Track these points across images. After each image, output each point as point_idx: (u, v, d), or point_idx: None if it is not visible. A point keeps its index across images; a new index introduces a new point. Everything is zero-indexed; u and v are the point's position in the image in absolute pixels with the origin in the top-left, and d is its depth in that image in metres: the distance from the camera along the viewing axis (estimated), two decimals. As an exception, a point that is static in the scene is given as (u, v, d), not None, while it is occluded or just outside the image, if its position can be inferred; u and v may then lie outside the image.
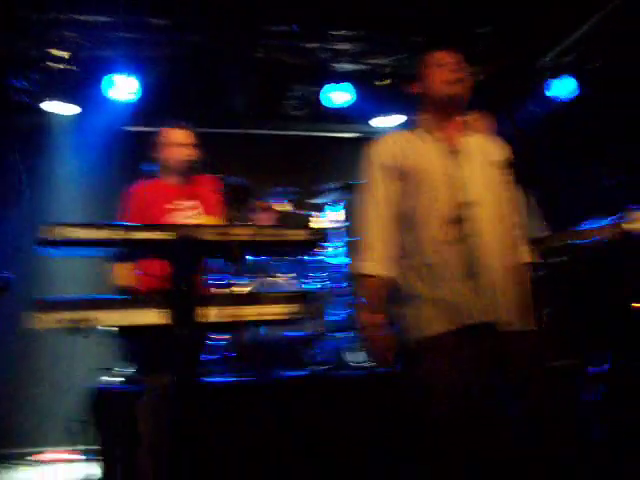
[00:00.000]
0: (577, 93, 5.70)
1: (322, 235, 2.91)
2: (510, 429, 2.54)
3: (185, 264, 2.64)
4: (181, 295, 2.65)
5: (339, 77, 6.33)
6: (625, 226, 3.51)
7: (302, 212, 5.44)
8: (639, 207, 3.55)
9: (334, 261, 5.23)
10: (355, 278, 2.75)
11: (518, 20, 5.94)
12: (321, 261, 5.23)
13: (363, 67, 6.49)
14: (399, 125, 6.28)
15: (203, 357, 4.34)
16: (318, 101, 6.36)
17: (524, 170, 2.84)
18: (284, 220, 5.45)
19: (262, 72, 6.24)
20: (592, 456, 4.74)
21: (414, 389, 2.55)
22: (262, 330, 4.72)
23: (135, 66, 5.86)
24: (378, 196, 2.73)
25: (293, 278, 5.14)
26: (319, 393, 4.12)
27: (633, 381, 4.79)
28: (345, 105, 6.26)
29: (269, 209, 5.51)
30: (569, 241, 3.56)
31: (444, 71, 2.77)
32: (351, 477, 3.89)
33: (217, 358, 4.59)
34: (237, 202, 4.78)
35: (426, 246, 2.62)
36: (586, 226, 3.59)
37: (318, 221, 5.22)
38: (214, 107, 6.33)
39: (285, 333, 4.84)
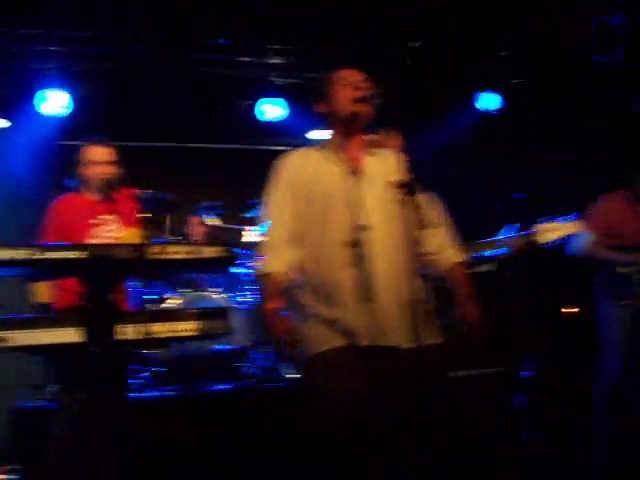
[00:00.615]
0: (501, 107, 5.84)
1: (235, 253, 2.98)
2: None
3: (99, 282, 2.67)
4: (95, 313, 2.68)
5: (273, 91, 6.38)
6: (534, 238, 3.64)
7: (234, 226, 5.48)
8: (547, 219, 3.69)
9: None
10: (259, 278, 2.79)
11: (448, 36, 6.10)
12: (253, 275, 5.26)
13: (297, 81, 6.55)
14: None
15: (133, 372, 4.38)
16: (252, 115, 6.40)
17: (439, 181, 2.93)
18: (216, 235, 5.48)
19: (196, 85, 6.24)
20: (523, 457, 4.93)
21: (312, 399, 2.61)
22: (193, 344, 4.75)
23: (67, 80, 5.83)
24: (282, 206, 2.79)
25: (226, 292, 5.20)
26: (243, 406, 4.17)
27: (558, 385, 4.97)
28: (279, 119, 6.31)
29: (201, 224, 5.55)
30: (477, 253, 3.66)
31: (348, 89, 2.78)
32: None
33: (146, 373, 4.60)
34: (165, 217, 4.81)
35: (323, 268, 2.67)
36: (497, 237, 3.69)
37: (250, 235, 5.26)
38: (147, 120, 6.33)
39: (216, 347, 4.89)
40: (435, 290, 3.97)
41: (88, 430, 3.00)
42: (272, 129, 6.45)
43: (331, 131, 2.89)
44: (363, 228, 2.62)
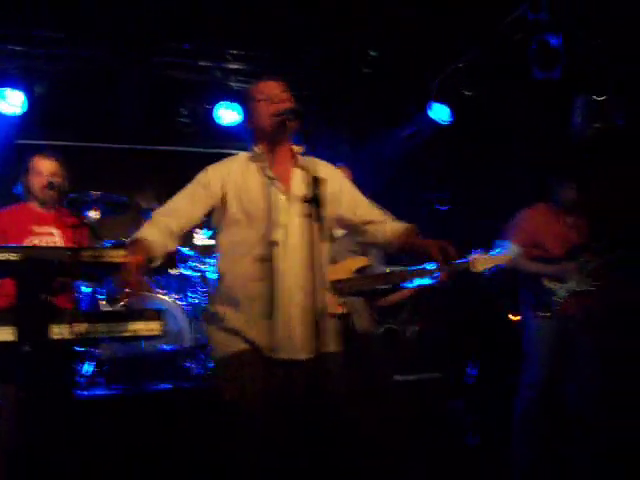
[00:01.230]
0: (451, 119, 5.97)
1: (171, 257, 3.08)
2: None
3: (31, 284, 2.76)
4: (27, 313, 2.77)
5: (231, 95, 6.45)
6: (467, 267, 3.72)
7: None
8: (480, 251, 3.78)
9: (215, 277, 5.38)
10: (130, 243, 2.76)
11: (405, 45, 6.21)
12: (203, 276, 5.36)
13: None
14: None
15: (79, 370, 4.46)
16: (210, 118, 6.47)
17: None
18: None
19: (154, 88, 6.30)
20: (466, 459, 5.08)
21: (218, 398, 2.72)
22: (141, 344, 4.84)
23: (24, 79, 5.87)
24: (183, 197, 2.86)
25: (175, 293, 5.29)
26: (186, 405, 4.27)
27: (495, 389, 5.11)
28: (235, 124, 6.39)
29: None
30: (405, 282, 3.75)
31: (267, 104, 2.83)
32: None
33: (91, 371, 4.68)
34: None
35: (236, 279, 2.75)
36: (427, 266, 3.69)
37: (201, 238, 5.34)
38: (104, 122, 6.39)
39: (164, 347, 4.98)
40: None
41: (26, 425, 3.07)
42: (229, 133, 6.50)
43: (256, 145, 2.92)
44: (275, 244, 2.68)
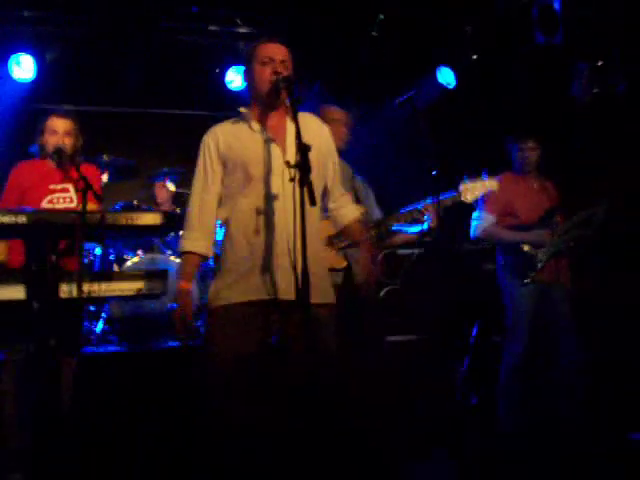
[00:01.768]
0: (455, 84, 6.00)
1: (173, 220, 3.21)
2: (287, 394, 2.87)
3: (39, 245, 2.90)
4: (35, 273, 2.91)
5: (239, 59, 6.50)
6: (459, 198, 3.82)
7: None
8: (469, 179, 3.86)
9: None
10: (180, 255, 3.01)
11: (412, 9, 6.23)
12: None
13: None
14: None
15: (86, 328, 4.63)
16: (220, 82, 6.55)
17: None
18: (176, 200, 5.72)
19: (164, 52, 6.37)
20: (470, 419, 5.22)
21: (205, 350, 2.88)
22: (150, 303, 5.00)
23: (35, 44, 5.97)
24: (202, 180, 2.96)
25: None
26: (190, 362, 4.42)
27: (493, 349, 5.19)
28: (244, 87, 6.44)
29: (164, 187, 5.78)
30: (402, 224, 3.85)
31: (267, 69, 2.87)
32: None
33: (99, 329, 4.86)
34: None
35: (236, 231, 2.87)
36: (421, 203, 3.79)
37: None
38: (114, 87, 6.46)
39: (172, 305, 5.13)
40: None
41: (31, 382, 3.23)
42: (238, 97, 6.56)
43: (250, 103, 2.99)
44: (273, 197, 2.80)
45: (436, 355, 5.47)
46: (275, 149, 2.88)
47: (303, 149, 2.51)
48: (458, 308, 5.81)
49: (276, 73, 2.85)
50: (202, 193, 2.96)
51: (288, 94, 2.76)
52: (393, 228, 3.91)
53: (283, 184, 2.80)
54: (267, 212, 2.81)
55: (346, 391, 2.95)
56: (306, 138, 2.59)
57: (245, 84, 3.07)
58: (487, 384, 4.76)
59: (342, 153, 3.75)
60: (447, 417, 4.82)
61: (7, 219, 2.79)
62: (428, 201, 3.73)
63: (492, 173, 3.95)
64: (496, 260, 4.67)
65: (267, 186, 2.82)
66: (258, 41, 3.00)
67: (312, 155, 2.56)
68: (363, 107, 7.20)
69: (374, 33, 6.64)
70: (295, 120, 2.66)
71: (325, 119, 3.61)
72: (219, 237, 3.17)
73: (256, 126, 2.93)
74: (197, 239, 2.94)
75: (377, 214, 4.04)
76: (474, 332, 5.65)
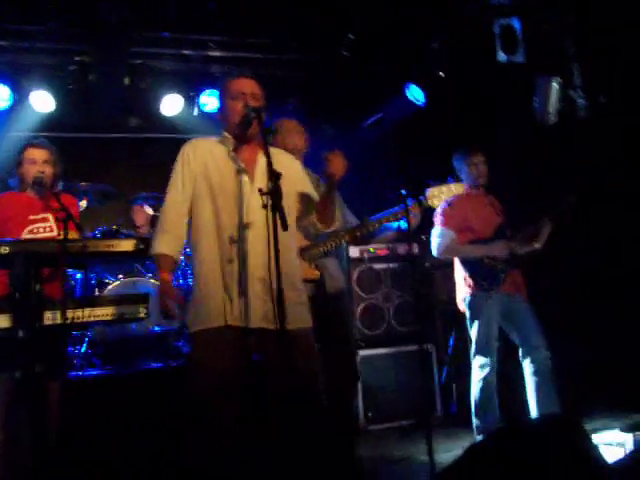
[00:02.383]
0: (424, 102, 6.15)
1: (147, 245, 3.30)
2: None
3: (22, 274, 2.98)
4: (20, 301, 3.00)
5: (213, 83, 6.63)
6: (427, 203, 3.93)
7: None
8: (434, 184, 3.97)
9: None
10: (153, 256, 3.07)
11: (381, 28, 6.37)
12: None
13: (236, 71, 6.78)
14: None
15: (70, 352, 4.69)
16: (193, 106, 6.66)
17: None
18: (154, 223, 5.81)
19: (136, 77, 6.47)
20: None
21: (189, 369, 2.96)
22: (132, 325, 5.08)
23: (10, 73, 6.06)
24: (176, 186, 3.06)
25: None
26: (174, 382, 4.51)
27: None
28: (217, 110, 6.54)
29: (142, 211, 5.89)
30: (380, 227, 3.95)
31: (239, 103, 3.02)
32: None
33: (83, 353, 4.93)
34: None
35: (206, 258, 2.96)
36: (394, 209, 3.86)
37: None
38: (87, 113, 6.56)
39: (155, 328, 5.23)
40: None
41: (22, 407, 3.30)
42: (212, 119, 6.66)
43: (225, 131, 3.11)
44: (245, 226, 2.90)
45: (414, 366, 5.60)
46: (246, 179, 2.99)
47: (275, 176, 2.62)
48: (434, 319, 5.95)
49: (246, 105, 2.98)
50: (175, 198, 3.05)
51: (258, 123, 2.88)
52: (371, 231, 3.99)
53: (254, 213, 2.90)
54: (239, 241, 2.90)
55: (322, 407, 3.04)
56: (277, 167, 2.70)
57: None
58: (466, 393, 4.84)
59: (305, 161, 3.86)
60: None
61: (-5, 250, 2.89)
62: (397, 208, 3.84)
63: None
64: (455, 275, 4.75)
65: (239, 215, 2.92)
66: (229, 77, 3.15)
67: (283, 183, 2.67)
68: (335, 124, 7.39)
69: (344, 53, 6.79)
70: (265, 148, 2.77)
71: (282, 128, 3.88)
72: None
73: (232, 154, 3.05)
74: (169, 242, 3.03)
75: (350, 218, 4.12)
76: (451, 342, 5.79)
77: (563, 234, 4.60)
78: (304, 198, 3.17)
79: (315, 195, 3.21)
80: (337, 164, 2.95)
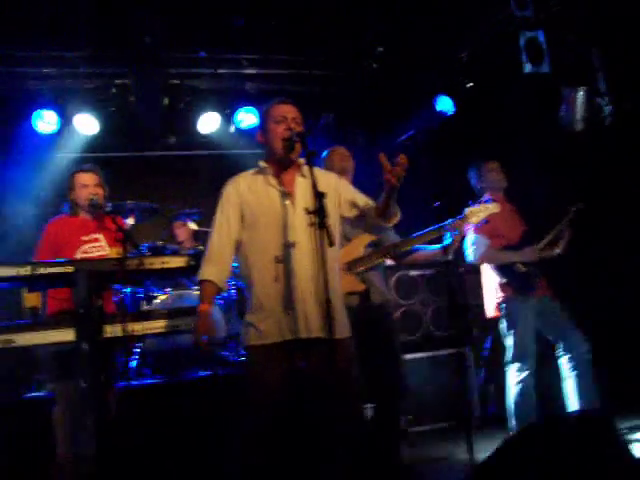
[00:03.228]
0: (453, 110, 6.31)
1: (198, 261, 3.52)
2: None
3: (84, 292, 3.22)
4: (83, 316, 3.24)
5: (248, 100, 6.87)
6: (467, 220, 4.15)
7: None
8: (472, 204, 4.17)
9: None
10: (199, 283, 3.23)
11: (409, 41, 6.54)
12: (234, 272, 5.81)
13: (271, 87, 7.02)
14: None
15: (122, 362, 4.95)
16: (229, 123, 6.91)
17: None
18: (197, 237, 6.06)
19: (174, 97, 6.73)
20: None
21: (246, 383, 3.15)
22: (179, 336, 5.31)
23: (57, 99, 6.36)
24: (222, 225, 3.24)
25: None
26: (220, 389, 4.73)
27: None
28: (254, 126, 6.78)
29: (184, 227, 6.13)
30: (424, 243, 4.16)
31: (281, 127, 3.19)
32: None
33: (135, 363, 5.18)
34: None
35: (257, 279, 3.15)
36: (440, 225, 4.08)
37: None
38: (129, 133, 6.86)
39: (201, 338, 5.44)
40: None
41: (80, 415, 3.54)
42: (249, 135, 6.88)
43: (266, 157, 3.30)
44: (290, 245, 3.09)
45: (452, 369, 5.75)
46: (288, 202, 3.17)
47: (320, 196, 2.82)
48: (469, 323, 6.10)
49: (289, 129, 3.17)
50: (221, 235, 3.23)
51: (302, 147, 3.09)
52: (414, 248, 4.20)
53: (299, 233, 3.10)
54: (285, 260, 3.09)
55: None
56: (320, 187, 2.90)
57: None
58: (503, 395, 4.96)
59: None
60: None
61: (56, 270, 3.14)
62: (440, 225, 4.05)
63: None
64: (485, 281, 4.90)
65: (284, 236, 3.10)
66: (271, 103, 3.32)
67: (326, 202, 2.87)
68: (369, 137, 7.57)
69: (374, 65, 6.98)
70: (311, 170, 2.96)
71: (333, 154, 4.19)
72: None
73: (273, 181, 3.23)
74: (213, 271, 3.20)
75: (391, 234, 4.31)
76: (487, 345, 5.93)
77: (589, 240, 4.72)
78: (354, 201, 3.35)
79: (362, 197, 3.39)
80: (399, 171, 3.02)
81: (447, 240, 4.12)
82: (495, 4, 5.31)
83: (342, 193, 3.38)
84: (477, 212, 4.19)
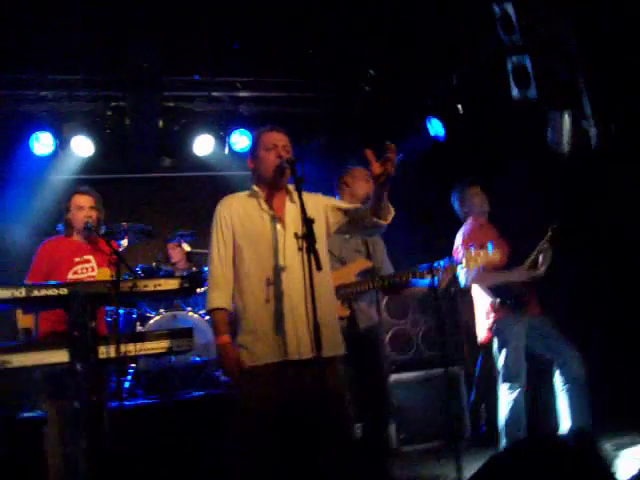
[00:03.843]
0: (443, 134, 6.39)
1: (195, 282, 3.59)
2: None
3: (79, 313, 3.28)
4: (77, 338, 3.29)
5: (242, 122, 6.97)
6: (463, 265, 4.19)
7: (205, 251, 6.06)
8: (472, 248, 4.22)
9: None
10: (209, 311, 3.30)
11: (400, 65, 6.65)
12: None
13: (264, 111, 7.12)
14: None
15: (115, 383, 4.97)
16: (224, 145, 6.99)
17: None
18: (190, 259, 6.13)
19: (169, 120, 6.83)
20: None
21: (237, 404, 3.20)
22: (170, 357, 5.36)
23: (54, 121, 6.45)
24: (219, 244, 3.29)
25: (202, 309, 5.80)
26: (213, 410, 4.78)
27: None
28: (247, 148, 6.84)
29: (178, 248, 6.20)
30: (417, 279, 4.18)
31: (272, 154, 3.27)
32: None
33: (129, 383, 5.22)
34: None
35: (249, 301, 3.21)
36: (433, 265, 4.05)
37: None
38: (124, 155, 6.95)
39: (195, 359, 5.51)
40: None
41: (72, 436, 3.58)
42: (243, 158, 6.94)
43: (256, 183, 3.37)
44: (281, 269, 3.16)
45: (443, 389, 5.79)
46: (279, 226, 3.25)
47: (308, 222, 2.89)
48: (461, 343, 6.15)
49: (280, 157, 3.25)
50: (221, 258, 3.28)
51: (292, 173, 3.16)
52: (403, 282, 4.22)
53: (289, 257, 3.17)
54: (276, 283, 3.16)
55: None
56: (309, 212, 2.98)
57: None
58: (495, 414, 5.00)
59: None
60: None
61: (51, 292, 3.20)
62: (436, 264, 4.08)
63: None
64: (476, 303, 4.96)
65: (275, 259, 3.18)
66: (262, 130, 3.41)
67: (315, 227, 2.94)
68: (361, 159, 7.62)
69: (367, 88, 7.08)
70: (300, 196, 3.03)
71: (353, 175, 4.25)
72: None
73: (264, 205, 3.31)
74: (222, 297, 3.25)
75: (387, 265, 4.38)
76: (478, 364, 5.97)
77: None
78: (342, 207, 3.44)
79: (348, 205, 3.48)
80: (388, 167, 3.08)
81: (435, 279, 4.14)
82: (485, 28, 5.42)
83: (328, 204, 3.44)
84: (476, 256, 4.18)
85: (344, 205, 3.50)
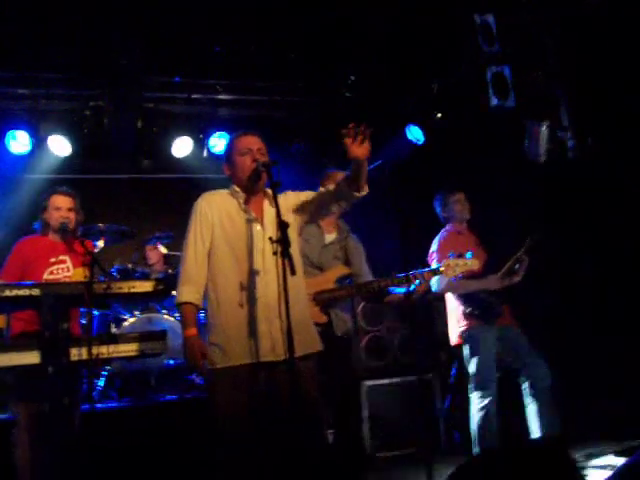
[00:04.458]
0: (423, 140, 6.44)
1: (169, 284, 3.57)
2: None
3: (51, 315, 3.24)
4: (49, 339, 3.25)
5: (221, 125, 6.94)
6: (440, 272, 4.19)
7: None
8: (452, 256, 4.22)
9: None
10: (178, 305, 3.26)
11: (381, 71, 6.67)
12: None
13: (244, 114, 7.11)
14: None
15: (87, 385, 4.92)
16: (202, 147, 6.97)
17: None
18: (167, 261, 6.09)
19: (148, 121, 6.78)
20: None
21: (210, 407, 3.18)
22: (147, 360, 5.31)
23: (31, 120, 6.38)
24: (196, 239, 3.27)
25: (176, 312, 5.75)
26: (189, 413, 4.74)
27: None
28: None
29: (155, 250, 6.16)
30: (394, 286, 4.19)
31: (246, 159, 3.27)
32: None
33: (102, 385, 5.17)
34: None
35: (223, 301, 3.20)
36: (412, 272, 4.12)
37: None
38: (102, 155, 6.89)
39: (169, 362, 5.47)
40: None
41: (42, 438, 3.54)
42: (220, 161, 6.91)
43: (234, 185, 3.35)
44: (256, 272, 3.16)
45: (419, 395, 5.80)
46: (258, 229, 3.25)
47: (283, 226, 2.88)
48: (437, 350, 6.16)
49: (255, 160, 3.25)
50: (195, 250, 3.26)
51: (268, 177, 3.14)
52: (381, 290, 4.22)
53: (266, 259, 3.16)
54: (250, 287, 3.15)
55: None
56: (283, 216, 2.97)
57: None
58: (468, 422, 5.02)
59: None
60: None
61: (22, 292, 3.16)
62: (415, 272, 4.10)
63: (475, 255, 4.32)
64: (449, 310, 4.99)
65: (250, 263, 3.17)
66: (235, 135, 3.39)
67: (289, 231, 2.94)
68: (340, 164, 7.64)
69: (347, 94, 7.10)
70: (275, 201, 3.02)
71: (331, 177, 4.13)
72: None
73: (244, 206, 3.30)
74: (192, 291, 3.22)
75: (366, 271, 4.36)
76: (453, 372, 5.99)
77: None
78: (309, 193, 3.44)
79: (312, 194, 3.46)
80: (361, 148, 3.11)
81: (412, 286, 4.15)
82: (466, 38, 5.46)
83: (293, 202, 3.42)
84: (455, 266, 4.18)
85: (306, 196, 3.46)
